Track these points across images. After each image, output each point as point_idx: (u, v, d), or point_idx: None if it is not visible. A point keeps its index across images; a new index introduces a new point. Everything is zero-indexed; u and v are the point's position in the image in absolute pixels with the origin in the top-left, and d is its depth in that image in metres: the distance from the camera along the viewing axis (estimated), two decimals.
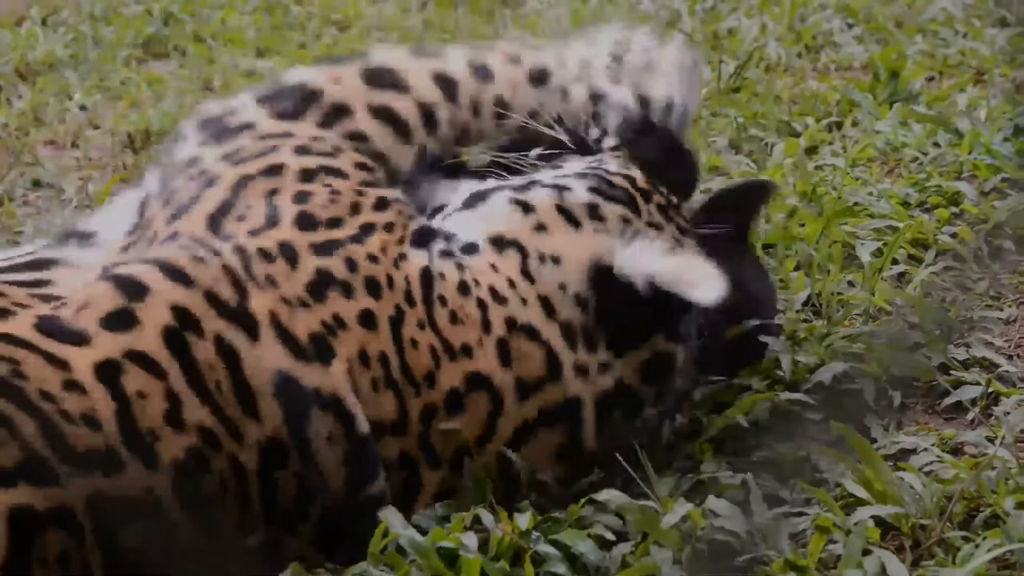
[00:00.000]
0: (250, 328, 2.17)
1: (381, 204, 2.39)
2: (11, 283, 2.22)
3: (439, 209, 2.53)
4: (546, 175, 2.55)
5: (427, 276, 2.34)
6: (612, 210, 2.47)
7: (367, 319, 2.26)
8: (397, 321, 2.28)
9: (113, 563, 1.97)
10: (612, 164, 2.57)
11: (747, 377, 2.69)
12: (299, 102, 2.51)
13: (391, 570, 2.14)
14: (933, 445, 2.46)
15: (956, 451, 2.47)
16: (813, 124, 4.09)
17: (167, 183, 2.43)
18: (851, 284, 3.08)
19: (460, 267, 2.37)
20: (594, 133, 2.69)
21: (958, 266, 3.11)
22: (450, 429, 2.27)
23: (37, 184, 4.22)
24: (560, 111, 2.65)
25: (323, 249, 2.28)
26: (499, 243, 2.41)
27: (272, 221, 2.30)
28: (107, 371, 2.06)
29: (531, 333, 2.34)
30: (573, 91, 2.65)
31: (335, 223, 2.32)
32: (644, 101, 2.69)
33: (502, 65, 2.63)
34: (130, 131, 4.54)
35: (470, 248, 2.41)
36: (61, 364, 2.04)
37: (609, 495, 2.30)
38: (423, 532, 2.19)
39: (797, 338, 2.85)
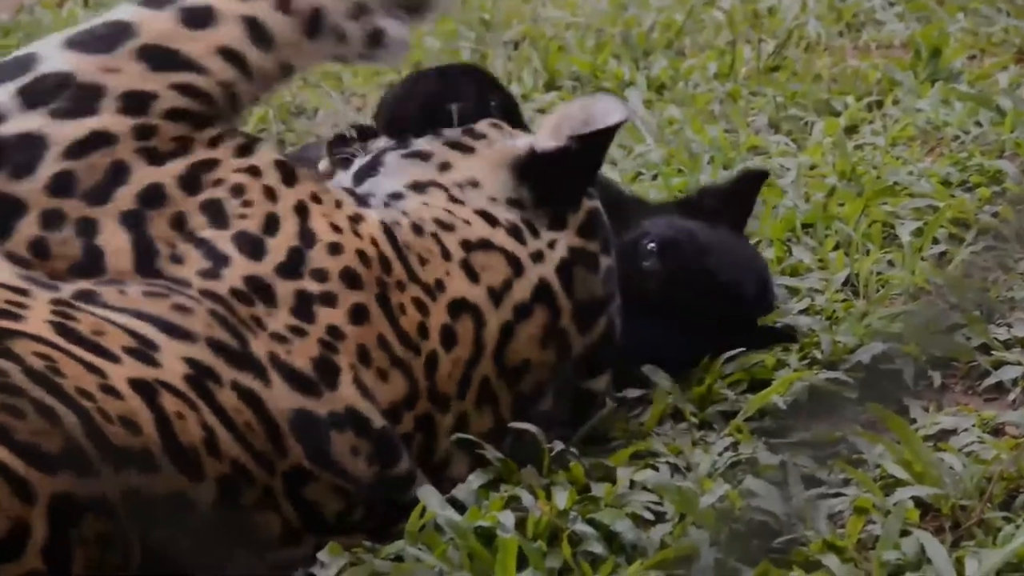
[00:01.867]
0: (259, 373, 2.14)
1: (288, 176, 2.28)
2: None
3: None
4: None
5: (388, 229, 2.33)
6: (482, 126, 2.53)
7: (357, 314, 2.23)
8: (383, 296, 2.27)
9: (149, 557, 1.97)
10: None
11: (785, 355, 2.69)
12: (80, 99, 2.20)
13: (428, 549, 2.14)
14: (973, 426, 2.44)
15: (997, 432, 2.45)
16: (853, 103, 4.06)
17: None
18: (891, 264, 3.06)
19: (404, 212, 2.38)
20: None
21: (999, 246, 3.08)
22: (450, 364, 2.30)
23: None
24: (337, 54, 2.46)
25: (289, 270, 2.20)
26: (418, 187, 2.43)
27: (216, 257, 2.18)
28: (143, 388, 2.03)
29: (485, 245, 2.37)
30: (349, 31, 2.43)
31: (272, 227, 2.22)
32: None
33: (275, 16, 2.35)
34: None
35: (396, 196, 2.42)
36: (95, 370, 2.01)
37: (646, 475, 2.31)
38: (460, 509, 2.19)
39: (836, 318, 2.84)
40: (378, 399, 2.23)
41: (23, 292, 2.08)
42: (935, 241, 3.12)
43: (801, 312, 2.88)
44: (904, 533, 2.10)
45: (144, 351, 2.06)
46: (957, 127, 3.74)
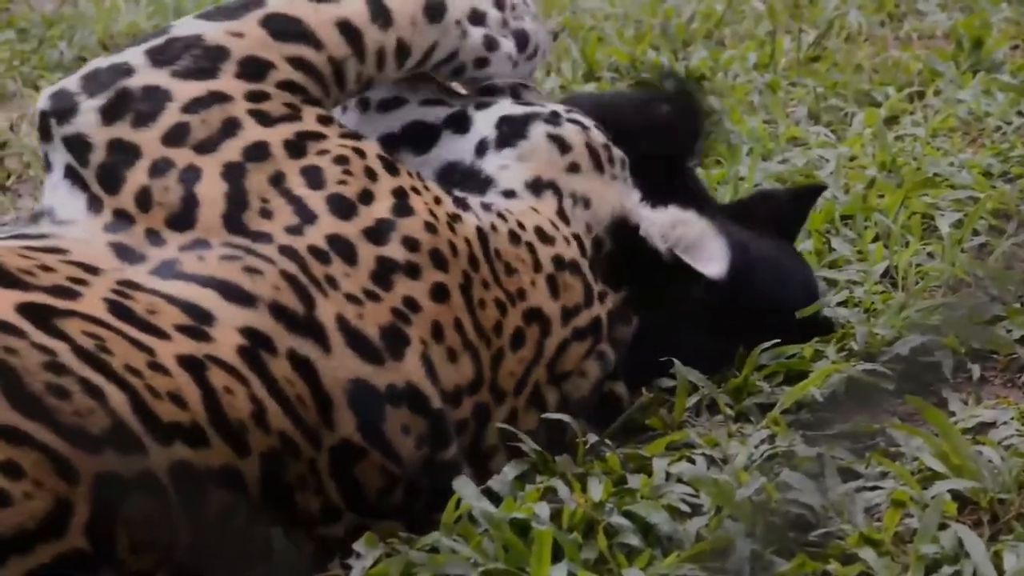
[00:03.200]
0: (321, 338, 2.14)
1: (389, 166, 2.32)
2: (33, 248, 2.14)
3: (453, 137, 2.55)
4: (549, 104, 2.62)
5: (483, 235, 2.36)
6: (616, 153, 2.61)
7: (438, 292, 2.26)
8: (466, 287, 2.30)
9: (197, 531, 1.97)
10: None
11: (823, 347, 2.68)
12: (203, 59, 2.29)
13: (463, 540, 2.14)
14: (1012, 419, 2.43)
15: None
16: (894, 94, 4.05)
17: (92, 161, 2.23)
18: (930, 255, 3.05)
19: (503, 217, 2.42)
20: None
21: None
22: (514, 362, 2.36)
23: None
24: (456, 48, 2.55)
25: (377, 234, 2.24)
26: (537, 186, 2.50)
27: (306, 215, 2.21)
28: (191, 364, 2.04)
29: (573, 268, 2.45)
30: (470, 31, 2.57)
31: (367, 198, 2.26)
32: (522, 40, 2.66)
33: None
34: None
35: (509, 194, 2.48)
36: (144, 348, 2.02)
37: (682, 467, 2.30)
38: (496, 500, 2.19)
39: (874, 310, 2.83)
40: (442, 380, 2.24)
41: (92, 270, 2.11)
42: (975, 232, 3.10)
43: (840, 304, 2.87)
44: (942, 527, 2.09)
45: (197, 327, 2.08)
46: (999, 118, 3.72)
